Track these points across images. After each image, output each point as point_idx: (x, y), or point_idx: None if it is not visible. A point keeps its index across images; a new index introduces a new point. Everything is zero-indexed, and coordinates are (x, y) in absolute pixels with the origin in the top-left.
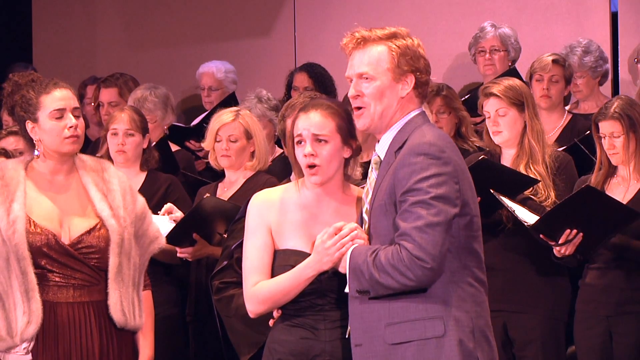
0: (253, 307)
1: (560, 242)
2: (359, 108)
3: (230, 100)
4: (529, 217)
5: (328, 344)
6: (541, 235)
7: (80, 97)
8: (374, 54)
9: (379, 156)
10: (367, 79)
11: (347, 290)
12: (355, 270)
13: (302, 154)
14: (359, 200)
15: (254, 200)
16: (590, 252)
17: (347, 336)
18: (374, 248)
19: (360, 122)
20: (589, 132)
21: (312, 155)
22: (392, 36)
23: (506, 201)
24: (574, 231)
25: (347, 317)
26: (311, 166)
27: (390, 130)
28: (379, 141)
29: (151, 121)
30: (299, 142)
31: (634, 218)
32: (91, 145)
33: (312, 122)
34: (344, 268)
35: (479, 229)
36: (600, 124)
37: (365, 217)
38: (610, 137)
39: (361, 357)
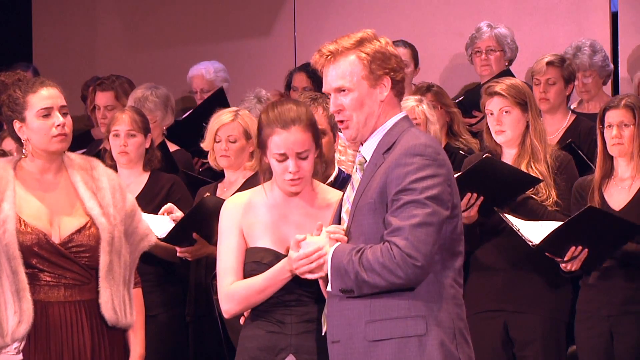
0: (228, 306)
1: (565, 259)
2: (342, 121)
3: (218, 96)
4: (533, 236)
5: (294, 337)
6: (547, 253)
7: (83, 98)
8: (346, 65)
9: (364, 157)
10: (344, 91)
11: (329, 288)
12: (339, 270)
13: (284, 169)
14: (328, 197)
15: (226, 204)
16: (597, 267)
17: (323, 333)
18: (358, 247)
19: (347, 134)
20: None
21: (297, 171)
22: (359, 43)
23: (510, 219)
24: (579, 248)
25: (314, 312)
26: (295, 179)
27: (376, 133)
28: (363, 143)
29: (151, 121)
30: (282, 160)
31: (636, 232)
32: (89, 145)
33: (294, 140)
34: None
35: (462, 232)
36: (609, 113)
37: (345, 216)
38: (619, 125)
39: (339, 353)
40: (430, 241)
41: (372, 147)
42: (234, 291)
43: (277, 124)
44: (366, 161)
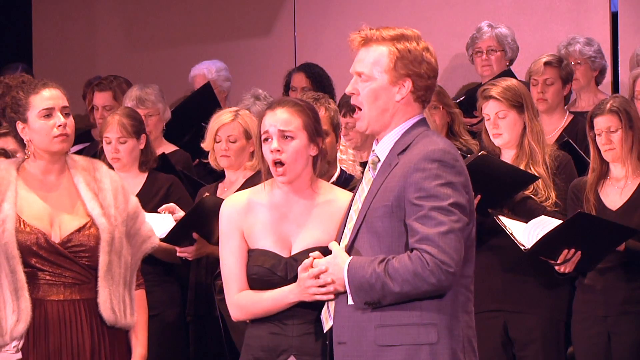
0: (235, 314)
1: (558, 261)
2: (357, 109)
3: (205, 91)
4: (526, 240)
5: (296, 339)
6: (540, 256)
7: (85, 97)
8: (374, 54)
9: (377, 157)
10: (364, 78)
11: (350, 302)
12: (361, 285)
13: (268, 150)
14: (330, 195)
15: (224, 205)
16: (591, 268)
17: (324, 331)
18: (378, 258)
19: (358, 125)
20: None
21: (279, 151)
22: (397, 38)
23: (504, 221)
24: (572, 250)
25: (316, 314)
26: (277, 162)
27: (391, 133)
28: (377, 142)
29: (154, 114)
30: (266, 139)
31: (629, 235)
32: (89, 145)
33: (278, 118)
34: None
35: (475, 239)
36: (597, 120)
37: (354, 214)
38: (607, 132)
39: (345, 355)
40: (460, 247)
41: (388, 147)
42: (242, 303)
43: (268, 108)
44: (379, 160)
